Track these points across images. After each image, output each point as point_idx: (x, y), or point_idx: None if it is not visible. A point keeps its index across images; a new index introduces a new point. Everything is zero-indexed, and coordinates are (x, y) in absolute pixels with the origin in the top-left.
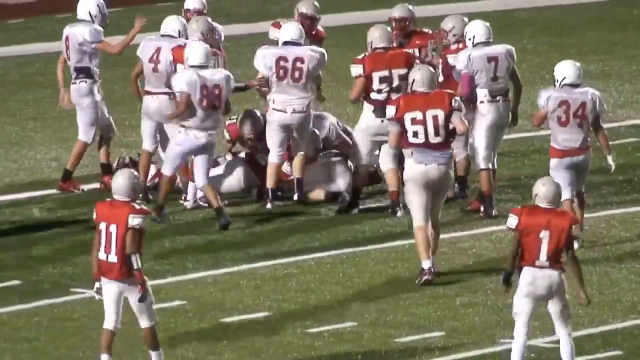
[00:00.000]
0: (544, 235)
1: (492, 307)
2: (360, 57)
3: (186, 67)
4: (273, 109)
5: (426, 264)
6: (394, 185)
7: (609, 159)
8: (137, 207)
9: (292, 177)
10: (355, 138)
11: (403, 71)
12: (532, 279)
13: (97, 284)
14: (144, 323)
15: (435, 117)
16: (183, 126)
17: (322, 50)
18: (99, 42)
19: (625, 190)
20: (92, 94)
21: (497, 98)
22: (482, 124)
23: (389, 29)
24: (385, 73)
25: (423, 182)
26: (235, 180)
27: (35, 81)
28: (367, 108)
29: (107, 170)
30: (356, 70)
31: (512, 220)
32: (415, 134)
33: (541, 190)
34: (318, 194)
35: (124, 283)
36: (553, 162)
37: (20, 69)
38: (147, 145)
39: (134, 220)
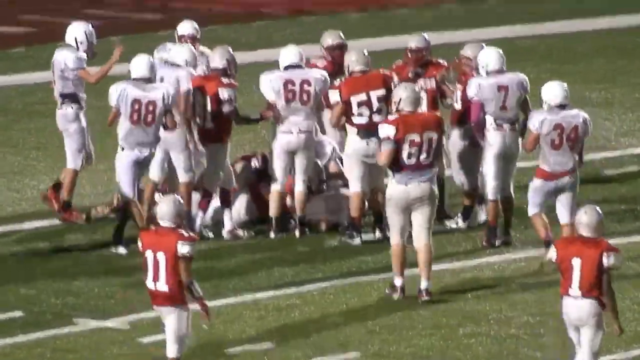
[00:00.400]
0: (575, 263)
1: (495, 337)
2: (336, 83)
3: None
4: (279, 132)
5: (398, 282)
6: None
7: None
8: (185, 234)
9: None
10: (345, 163)
11: (381, 92)
12: (565, 309)
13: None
14: (171, 353)
15: (430, 140)
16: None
17: (325, 73)
18: (81, 69)
19: (628, 220)
20: (79, 120)
21: (504, 126)
22: (490, 152)
23: (365, 52)
24: (363, 97)
25: (404, 203)
26: (236, 212)
27: (37, 110)
28: (351, 131)
29: (58, 188)
30: (333, 96)
31: (552, 253)
32: (410, 156)
33: (583, 218)
34: (322, 225)
35: (173, 307)
36: (537, 182)
37: (22, 98)
38: (155, 174)
39: (183, 248)
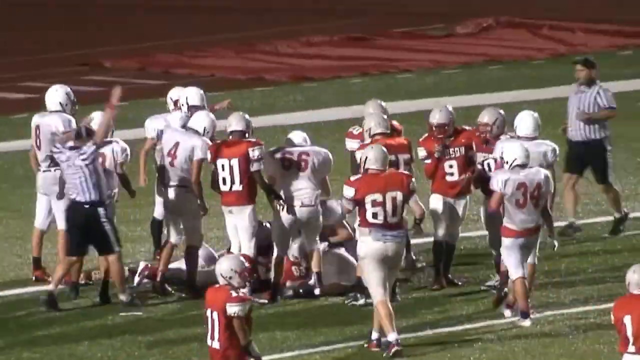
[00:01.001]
0: (627, 321)
1: None
2: (367, 141)
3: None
4: (280, 204)
5: (392, 337)
6: None
7: (552, 238)
8: (234, 294)
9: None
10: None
11: (407, 156)
12: None
13: None
14: None
15: (394, 199)
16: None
17: (327, 150)
18: (68, 131)
19: None
20: (64, 182)
21: None
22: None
23: (385, 116)
24: (392, 157)
25: (381, 259)
26: None
27: None
28: None
29: (38, 263)
30: (351, 144)
31: (612, 316)
32: (374, 215)
33: (634, 277)
34: (317, 290)
35: None
36: (507, 241)
37: (24, 164)
38: (173, 237)
39: (231, 309)
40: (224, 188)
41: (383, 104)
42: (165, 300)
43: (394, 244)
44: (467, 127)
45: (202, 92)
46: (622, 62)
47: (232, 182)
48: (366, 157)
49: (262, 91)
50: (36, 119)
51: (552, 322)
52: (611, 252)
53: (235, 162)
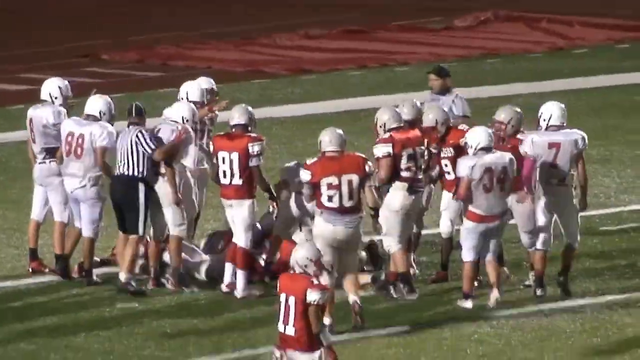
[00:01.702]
0: None
1: None
2: (386, 136)
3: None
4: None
5: (327, 320)
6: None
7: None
8: (315, 282)
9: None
10: (389, 220)
11: (423, 149)
12: None
13: (276, 353)
14: None
15: (350, 182)
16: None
17: None
18: (59, 123)
19: (628, 276)
20: (60, 174)
21: (551, 181)
22: (539, 206)
23: (397, 109)
24: (410, 151)
25: (331, 241)
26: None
27: None
28: (401, 187)
29: (35, 254)
30: (385, 149)
31: None
32: (330, 199)
33: None
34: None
35: (302, 352)
36: (469, 224)
37: (22, 155)
38: (151, 232)
39: (312, 296)
40: (224, 181)
41: (419, 103)
42: (161, 292)
43: (344, 228)
44: (460, 127)
45: (204, 87)
46: (620, 55)
47: (232, 176)
48: (321, 141)
49: (260, 83)
50: (30, 112)
51: (549, 315)
52: (608, 246)
53: (235, 155)
